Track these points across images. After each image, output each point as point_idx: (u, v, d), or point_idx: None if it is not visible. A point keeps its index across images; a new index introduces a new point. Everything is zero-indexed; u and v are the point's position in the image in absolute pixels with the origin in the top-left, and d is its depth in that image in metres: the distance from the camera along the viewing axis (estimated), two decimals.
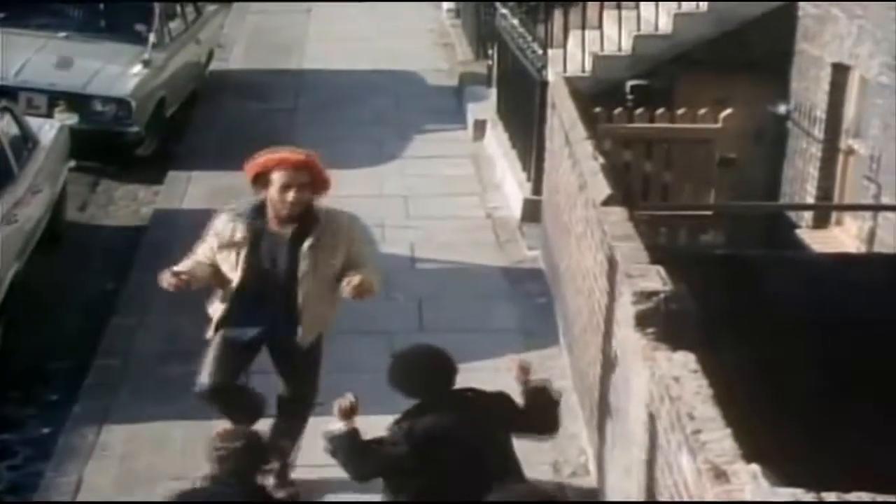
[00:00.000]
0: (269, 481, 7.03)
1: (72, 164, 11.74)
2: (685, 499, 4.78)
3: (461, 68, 16.80)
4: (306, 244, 6.77)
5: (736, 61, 12.23)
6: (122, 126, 12.96)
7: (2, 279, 9.25)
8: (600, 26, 12.98)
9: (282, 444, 7.13)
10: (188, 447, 7.47)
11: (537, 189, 11.43)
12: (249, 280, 6.85)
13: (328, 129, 14.03)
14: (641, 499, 5.79)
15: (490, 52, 15.43)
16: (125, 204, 12.60)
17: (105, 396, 8.45)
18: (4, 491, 7.66)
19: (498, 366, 7.50)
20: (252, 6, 20.53)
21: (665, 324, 5.79)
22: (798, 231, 11.57)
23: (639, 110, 11.81)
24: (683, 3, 12.81)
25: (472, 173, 13.21)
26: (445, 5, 20.37)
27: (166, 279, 6.68)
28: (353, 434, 5.85)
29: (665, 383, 5.19)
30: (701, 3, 12.75)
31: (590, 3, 13.29)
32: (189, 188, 12.59)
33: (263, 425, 6.89)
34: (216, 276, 6.93)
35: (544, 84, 11.30)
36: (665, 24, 12.79)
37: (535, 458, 6.91)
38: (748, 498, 4.21)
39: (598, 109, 11.22)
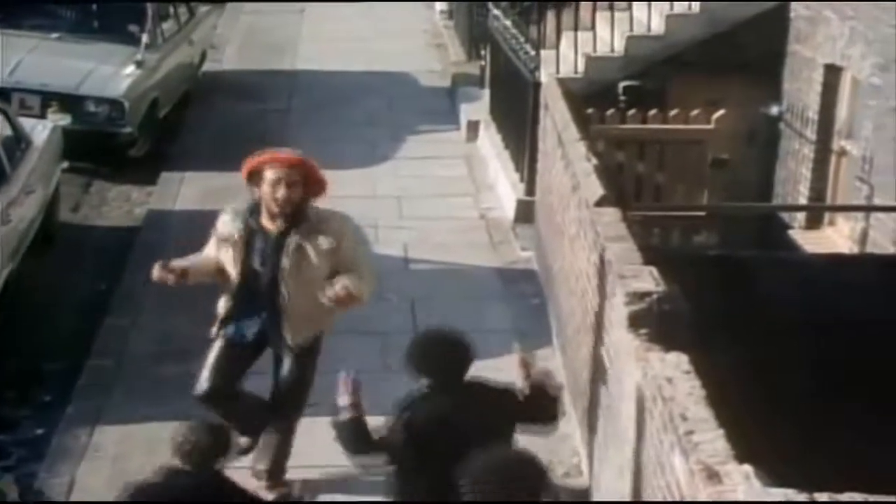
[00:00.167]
0: (259, 481, 7.06)
1: (65, 164, 11.74)
2: (678, 499, 4.79)
3: (454, 69, 16.81)
4: (291, 243, 6.80)
5: (728, 62, 12.24)
6: (115, 127, 12.95)
7: None
8: (593, 27, 12.99)
9: (274, 447, 7.15)
10: None
11: (530, 190, 11.44)
12: (244, 278, 6.91)
13: (321, 129, 14.04)
14: (634, 499, 5.80)
15: (483, 53, 15.44)
16: (118, 205, 12.60)
17: (98, 397, 8.45)
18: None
19: (491, 366, 7.49)
20: (245, 7, 20.53)
21: (658, 324, 5.80)
22: (791, 232, 11.58)
23: (631, 111, 11.82)
24: (676, 5, 12.82)
25: (466, 174, 13.22)
26: (438, 6, 20.38)
27: (155, 272, 6.72)
28: (356, 422, 5.88)
29: (658, 384, 5.19)
30: (693, 5, 12.77)
31: (582, 5, 13.30)
32: (182, 189, 12.59)
33: None
34: (222, 273, 6.99)
35: (537, 85, 11.31)
36: (657, 26, 12.80)
37: None
38: (741, 498, 4.22)
39: (590, 110, 11.24)
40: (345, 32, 19.13)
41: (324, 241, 6.82)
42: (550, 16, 13.47)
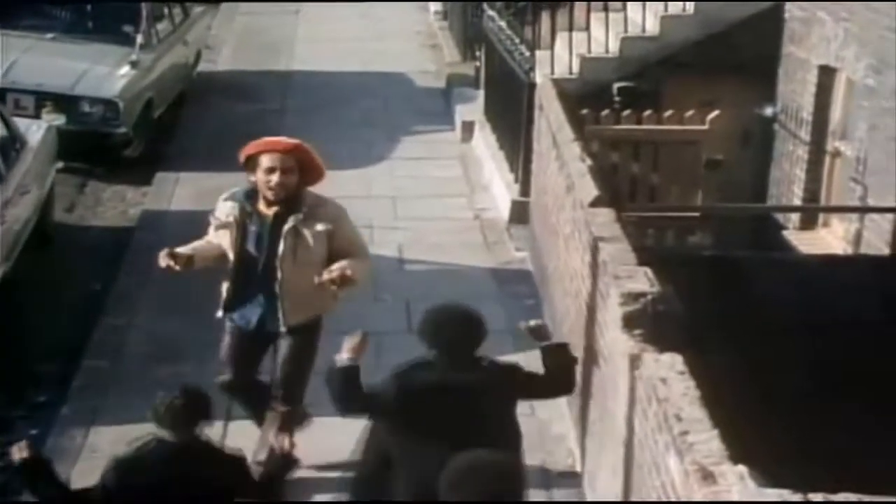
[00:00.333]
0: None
1: (59, 165, 11.73)
2: (673, 500, 4.80)
3: (449, 70, 16.81)
4: (286, 227, 6.87)
5: (723, 63, 12.26)
6: (110, 127, 12.95)
7: None
8: (587, 28, 13.00)
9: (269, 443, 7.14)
10: None
11: (525, 190, 11.45)
12: (240, 261, 6.99)
13: (317, 130, 14.00)
14: (629, 500, 5.81)
15: (478, 53, 15.45)
16: (113, 205, 12.59)
17: (94, 398, 8.44)
18: None
19: None
20: (240, 7, 20.52)
21: (652, 325, 5.82)
22: (785, 232, 11.60)
23: (626, 112, 11.84)
24: (670, 6, 12.84)
25: (460, 174, 13.23)
26: (433, 7, 20.39)
27: (162, 259, 6.84)
28: (351, 368, 5.98)
29: (652, 384, 5.20)
30: (688, 6, 12.78)
31: (577, 5, 13.31)
32: (177, 189, 12.59)
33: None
34: (223, 257, 7.07)
35: (532, 86, 11.32)
36: (652, 26, 12.82)
37: None
38: (735, 499, 4.23)
39: (585, 111, 11.26)
40: (340, 33, 19.13)
41: (320, 226, 6.90)
42: (545, 17, 13.49)
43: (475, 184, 12.93)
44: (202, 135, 14.30)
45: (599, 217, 7.20)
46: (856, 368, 8.04)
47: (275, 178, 6.84)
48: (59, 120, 11.95)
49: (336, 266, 6.73)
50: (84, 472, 7.55)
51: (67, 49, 13.65)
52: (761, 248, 11.25)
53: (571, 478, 7.54)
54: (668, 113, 11.79)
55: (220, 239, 7.05)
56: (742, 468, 4.36)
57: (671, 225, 11.55)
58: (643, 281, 6.16)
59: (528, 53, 11.82)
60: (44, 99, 12.58)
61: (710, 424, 4.74)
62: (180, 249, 6.90)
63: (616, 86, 12.51)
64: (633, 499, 5.68)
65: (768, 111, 12.45)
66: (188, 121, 15.00)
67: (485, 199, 12.44)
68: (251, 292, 7.04)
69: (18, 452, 5.77)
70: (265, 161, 6.87)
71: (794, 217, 11.69)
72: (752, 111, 12.53)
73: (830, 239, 11.14)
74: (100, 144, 12.92)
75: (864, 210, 10.15)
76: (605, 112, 11.78)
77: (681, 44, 12.69)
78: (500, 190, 12.24)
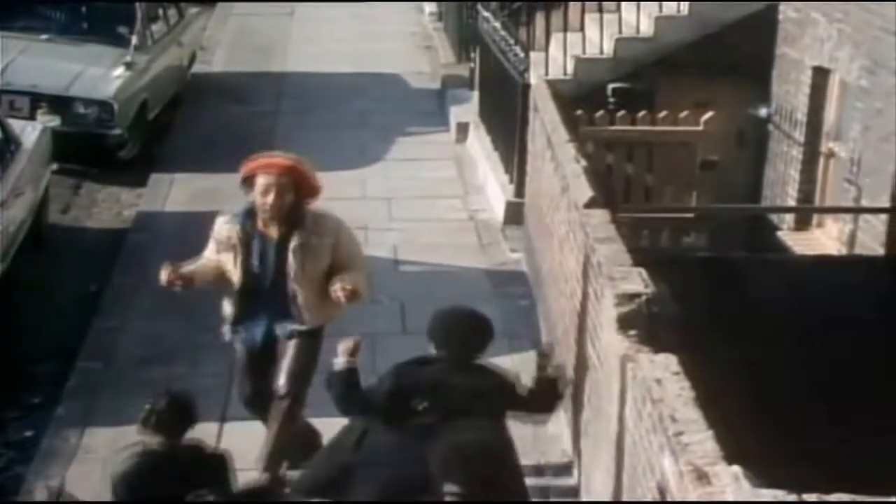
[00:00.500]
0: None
1: (54, 166, 11.72)
2: (667, 500, 4.80)
3: (444, 71, 16.80)
4: (292, 246, 6.95)
5: (717, 64, 12.27)
6: (105, 128, 12.94)
7: None
8: (582, 29, 13.01)
9: (273, 433, 7.20)
10: None
11: (520, 191, 11.45)
12: (246, 281, 7.05)
13: (311, 131, 14.03)
14: (624, 500, 5.81)
15: (472, 54, 15.44)
16: (108, 206, 12.58)
17: (88, 399, 8.43)
18: None
19: None
20: (235, 8, 20.51)
21: (647, 326, 5.82)
22: (779, 233, 11.61)
23: (620, 113, 11.84)
24: (665, 7, 12.85)
25: (455, 176, 13.22)
26: (428, 8, 20.38)
27: (164, 277, 6.90)
28: (350, 372, 6.17)
29: (647, 385, 5.21)
30: (682, 7, 12.79)
31: (571, 7, 13.32)
32: (172, 191, 12.58)
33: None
34: (224, 277, 7.12)
35: (526, 87, 11.32)
36: (646, 27, 12.83)
37: None
38: (730, 499, 4.24)
39: (579, 112, 11.26)
40: (334, 34, 19.12)
41: (324, 241, 7.00)
42: (540, 18, 13.50)
43: (470, 185, 12.93)
44: (197, 136, 14.29)
45: (594, 218, 7.21)
46: (850, 368, 8.06)
47: (270, 198, 6.90)
48: (54, 121, 11.94)
49: (344, 284, 6.84)
50: (79, 474, 7.56)
51: (62, 50, 13.64)
52: (756, 249, 11.26)
53: (566, 478, 7.54)
54: (663, 114, 11.79)
55: (221, 260, 7.09)
56: (737, 469, 4.36)
57: (666, 226, 11.56)
58: (638, 282, 6.17)
59: (522, 54, 11.82)
60: (38, 100, 12.56)
61: (704, 425, 4.75)
62: (183, 270, 6.96)
63: (610, 87, 12.51)
64: (629, 499, 5.69)
65: (762, 112, 12.46)
66: (183, 122, 14.99)
67: (479, 201, 12.44)
68: (257, 310, 7.11)
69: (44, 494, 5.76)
70: (261, 181, 6.92)
71: (789, 218, 11.70)
72: (747, 112, 12.55)
73: (825, 240, 11.15)
74: (94, 146, 12.90)
75: (857, 211, 10.17)
76: (600, 113, 11.78)
77: (675, 45, 12.70)
78: (495, 191, 12.24)
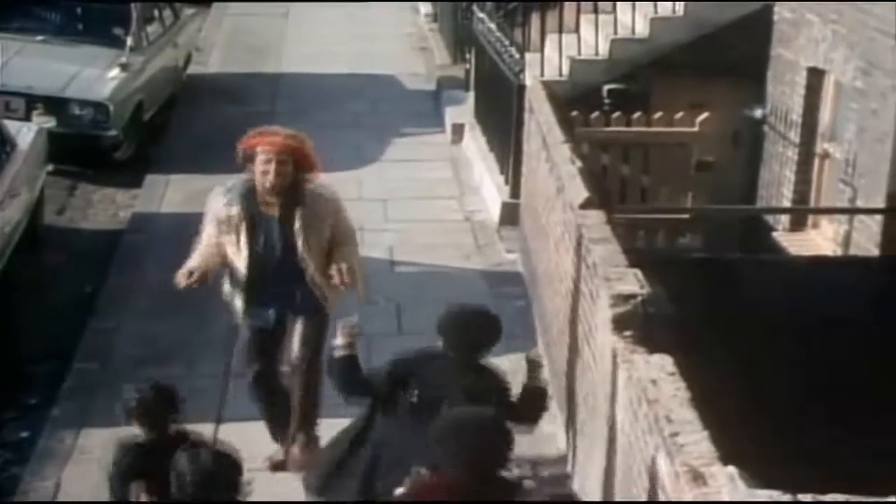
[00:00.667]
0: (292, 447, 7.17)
1: (49, 167, 11.72)
2: (663, 501, 4.81)
3: (439, 72, 16.81)
4: (297, 222, 7.05)
5: (712, 65, 12.28)
6: (100, 130, 12.93)
7: None
8: (577, 30, 13.01)
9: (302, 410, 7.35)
10: None
11: (515, 192, 11.45)
12: (254, 261, 7.11)
13: (307, 132, 14.00)
14: (619, 501, 5.82)
15: (467, 56, 15.44)
16: (103, 207, 12.58)
17: (84, 400, 8.43)
18: None
19: None
20: (230, 9, 20.51)
21: (642, 326, 5.83)
22: (775, 234, 11.62)
23: (616, 114, 11.85)
24: (660, 8, 12.85)
25: (451, 176, 13.23)
26: (423, 9, 20.39)
27: (182, 281, 6.93)
28: (350, 357, 6.29)
29: (642, 386, 5.22)
30: (677, 8, 12.80)
31: (566, 8, 13.32)
32: (167, 192, 12.58)
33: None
34: (225, 258, 7.17)
35: (522, 88, 11.32)
36: (641, 28, 12.83)
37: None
38: (725, 500, 4.24)
39: (575, 113, 11.26)
40: (329, 35, 19.12)
41: (324, 216, 7.14)
42: (535, 19, 13.50)
43: (465, 186, 12.93)
44: (192, 137, 14.28)
45: (589, 219, 7.22)
46: (845, 369, 8.07)
47: (270, 174, 7.00)
48: (50, 122, 11.94)
49: (340, 267, 6.99)
50: (74, 474, 7.57)
51: (58, 52, 13.63)
52: (751, 250, 11.28)
53: (562, 479, 7.55)
54: (658, 115, 11.80)
55: (223, 241, 7.13)
56: (732, 469, 4.37)
57: (661, 226, 11.57)
58: (633, 282, 6.18)
59: (517, 55, 11.83)
60: (34, 101, 12.55)
61: (700, 426, 4.75)
62: (192, 265, 6.99)
63: (606, 88, 12.52)
64: (624, 500, 5.69)
65: (758, 113, 12.47)
66: (178, 123, 14.98)
67: (475, 201, 12.45)
68: (267, 289, 7.18)
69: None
70: (261, 156, 7.02)
71: (784, 218, 11.71)
72: (742, 113, 12.56)
73: (820, 240, 11.16)
74: (90, 147, 12.90)
75: (853, 211, 10.18)
76: (595, 114, 11.79)
77: (670, 46, 12.71)
78: (491, 192, 12.25)
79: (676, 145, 11.72)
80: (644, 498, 5.17)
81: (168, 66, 15.21)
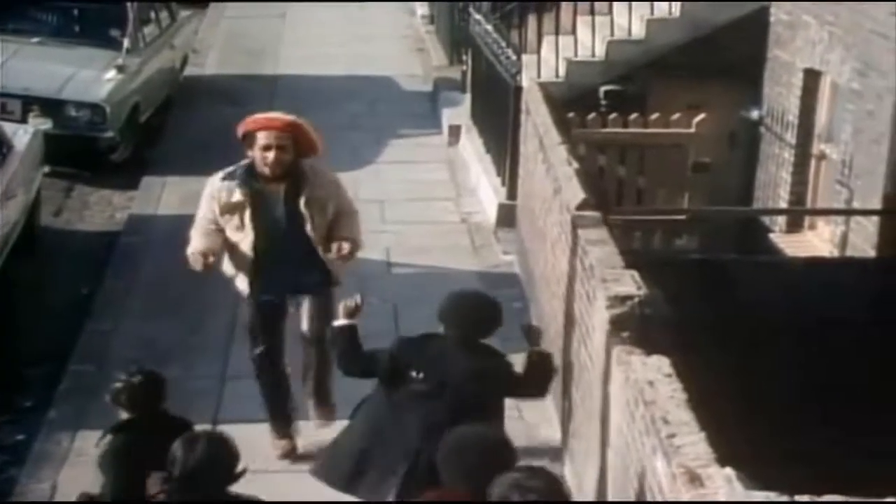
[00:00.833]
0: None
1: (46, 169, 11.72)
2: (659, 502, 4.81)
3: (436, 73, 16.80)
4: (302, 201, 7.19)
5: (709, 66, 12.28)
6: (97, 131, 12.92)
7: None
8: (574, 32, 13.02)
9: (315, 371, 7.56)
10: None
11: (512, 194, 11.46)
12: (260, 241, 7.22)
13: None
14: (615, 501, 5.82)
15: (464, 57, 15.45)
16: (100, 209, 12.57)
17: (80, 402, 8.41)
18: None
19: None
20: (226, 11, 20.50)
21: (639, 328, 5.83)
22: (771, 235, 11.62)
23: (612, 115, 11.86)
24: (656, 9, 12.86)
25: (448, 178, 13.23)
26: (420, 11, 20.38)
27: (198, 264, 7.05)
28: (350, 328, 6.41)
29: (639, 387, 5.22)
30: (674, 9, 12.80)
31: (563, 9, 13.32)
32: (164, 194, 12.57)
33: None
34: (226, 240, 7.28)
35: (518, 89, 11.32)
36: (638, 30, 12.84)
37: None
38: (722, 501, 4.24)
39: (571, 114, 11.27)
40: (326, 37, 19.12)
41: (327, 193, 7.30)
42: (531, 20, 13.50)
43: (462, 187, 12.93)
44: (189, 139, 14.28)
45: (586, 220, 7.22)
46: (842, 370, 8.08)
47: (271, 155, 7.15)
48: (46, 124, 11.93)
49: (342, 245, 7.16)
50: (71, 477, 7.56)
51: (54, 53, 13.63)
52: (748, 251, 11.28)
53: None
54: (655, 116, 11.81)
55: (223, 220, 7.23)
56: (729, 470, 4.37)
57: (658, 228, 11.57)
58: (630, 284, 6.18)
59: (514, 57, 11.83)
60: (30, 103, 12.55)
61: (697, 427, 4.75)
62: (203, 247, 7.09)
63: (602, 89, 12.53)
64: (621, 501, 5.69)
65: (754, 114, 12.47)
66: (175, 125, 14.97)
67: (472, 203, 12.45)
68: (274, 268, 7.29)
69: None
70: (262, 138, 7.17)
71: (781, 220, 11.72)
72: (738, 114, 12.56)
73: (816, 242, 11.16)
74: (86, 149, 12.89)
75: (849, 213, 10.18)
76: (592, 115, 11.79)
77: (667, 47, 12.72)
78: (487, 193, 12.25)
79: (673, 146, 11.72)
80: (641, 500, 5.16)
81: (164, 68, 15.21)
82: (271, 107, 15.40)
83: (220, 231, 7.23)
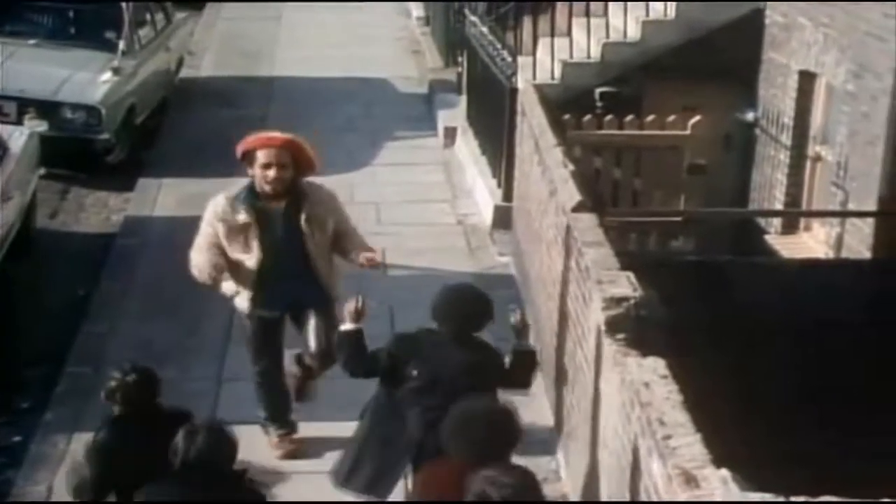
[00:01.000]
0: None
1: (42, 171, 11.71)
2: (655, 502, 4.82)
3: (431, 75, 16.81)
4: (302, 218, 7.30)
5: (704, 68, 12.30)
6: (92, 133, 12.93)
7: None
8: (569, 34, 13.03)
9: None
10: None
11: (508, 196, 11.46)
12: (264, 259, 7.32)
13: (300, 136, 13.99)
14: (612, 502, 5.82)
15: (460, 59, 15.45)
16: (96, 211, 12.57)
17: (76, 404, 8.41)
18: None
19: None
20: (222, 13, 20.49)
21: (635, 329, 5.84)
22: (767, 237, 11.64)
23: (608, 117, 11.86)
24: (651, 11, 12.87)
25: (443, 180, 13.24)
26: (415, 13, 20.39)
27: (209, 279, 7.21)
28: (356, 332, 6.51)
29: (635, 389, 5.22)
30: (669, 11, 12.82)
31: (559, 11, 13.34)
32: (160, 195, 12.57)
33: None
34: (228, 257, 7.35)
35: (514, 91, 11.33)
36: (633, 32, 12.85)
37: None
38: (718, 502, 4.25)
39: (567, 116, 11.28)
40: (322, 39, 19.11)
41: (325, 211, 7.42)
42: (527, 22, 13.51)
43: (458, 189, 12.94)
44: (185, 141, 14.28)
45: (582, 222, 7.23)
46: (837, 371, 8.09)
47: (272, 173, 7.26)
48: (42, 126, 11.93)
49: (369, 254, 7.39)
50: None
51: (50, 55, 13.63)
52: (743, 253, 11.28)
53: (554, 481, 7.55)
54: (650, 118, 11.81)
55: (226, 241, 7.30)
56: (725, 472, 4.38)
57: (653, 230, 11.58)
58: (626, 285, 6.18)
59: (510, 59, 11.84)
60: (26, 105, 12.54)
61: (692, 428, 4.76)
62: (215, 262, 7.20)
63: (598, 91, 12.53)
64: (617, 502, 5.70)
65: (749, 116, 12.49)
66: (171, 127, 14.97)
67: (468, 205, 12.45)
68: (276, 284, 7.38)
69: None
70: (262, 157, 7.27)
71: (776, 221, 11.73)
72: (734, 116, 12.57)
73: (812, 243, 11.18)
74: (82, 151, 12.90)
75: (844, 214, 10.20)
76: (587, 117, 11.80)
77: (662, 49, 12.73)
78: (483, 195, 12.26)
79: (668, 148, 11.74)
80: (637, 501, 5.17)
81: (160, 70, 15.21)
82: (267, 108, 15.56)
83: (223, 251, 7.30)
